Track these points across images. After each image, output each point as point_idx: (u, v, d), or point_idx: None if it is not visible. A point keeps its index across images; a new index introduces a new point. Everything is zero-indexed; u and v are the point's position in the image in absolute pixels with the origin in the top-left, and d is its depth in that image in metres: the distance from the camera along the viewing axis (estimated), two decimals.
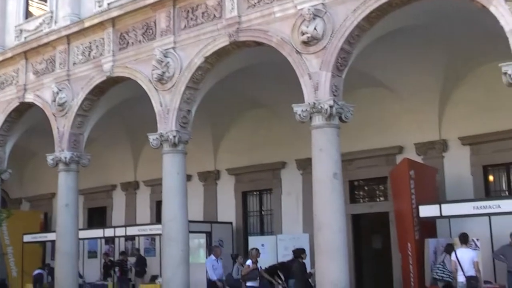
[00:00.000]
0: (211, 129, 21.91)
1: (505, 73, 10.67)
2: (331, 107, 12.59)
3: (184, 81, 15.25)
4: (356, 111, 13.31)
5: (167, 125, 15.39)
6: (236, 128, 21.87)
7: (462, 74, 16.96)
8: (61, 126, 18.15)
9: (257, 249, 16.16)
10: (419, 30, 14.52)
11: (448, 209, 15.18)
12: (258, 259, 16.17)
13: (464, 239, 13.78)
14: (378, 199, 19.59)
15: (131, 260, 22.10)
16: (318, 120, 12.77)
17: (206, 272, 17.06)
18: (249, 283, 15.49)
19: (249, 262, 15.53)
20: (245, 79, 17.07)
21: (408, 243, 15.56)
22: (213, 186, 22.72)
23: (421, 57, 16.10)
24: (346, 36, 12.72)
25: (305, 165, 18.95)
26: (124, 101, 18.21)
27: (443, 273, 14.02)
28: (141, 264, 21.74)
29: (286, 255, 16.72)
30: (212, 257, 17.19)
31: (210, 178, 22.72)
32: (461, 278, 13.31)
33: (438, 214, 15.22)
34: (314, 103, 12.72)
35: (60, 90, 18.13)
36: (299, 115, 12.94)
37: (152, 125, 15.82)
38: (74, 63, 18.25)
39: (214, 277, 16.81)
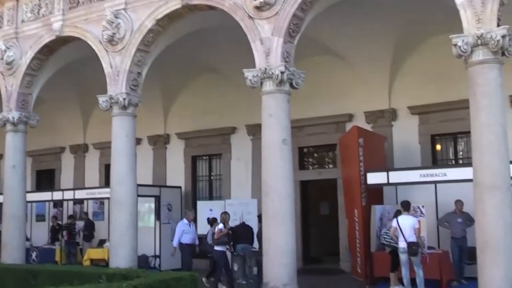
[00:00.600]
0: (162, 93, 21.74)
1: (455, 45, 10.79)
2: (282, 73, 12.58)
3: (135, 43, 14.99)
4: (307, 78, 13.33)
5: (117, 87, 15.15)
6: (187, 92, 21.75)
7: (413, 44, 17.15)
8: (9, 85, 17.67)
9: (227, 213, 15.94)
10: (372, 0, 14.59)
11: (395, 176, 15.46)
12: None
13: (406, 206, 14.01)
14: (327, 166, 19.79)
15: (79, 224, 21.89)
16: (268, 85, 12.75)
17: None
18: (217, 248, 15.26)
19: (221, 226, 15.33)
20: (198, 43, 16.92)
21: (355, 210, 15.82)
22: (162, 150, 22.63)
23: (373, 27, 16.18)
24: (299, 2, 12.63)
25: (255, 130, 18.99)
26: (74, 61, 17.78)
27: (391, 239, 14.26)
28: (89, 228, 21.59)
29: (234, 220, 16.75)
30: (184, 221, 16.73)
31: (159, 142, 22.61)
32: (402, 244, 13.57)
33: (385, 181, 15.49)
34: (265, 69, 12.68)
35: (8, 48, 17.61)
36: (250, 80, 12.90)
37: (102, 87, 15.57)
38: (23, 21, 17.69)
39: (175, 243, 16.44)
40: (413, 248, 13.40)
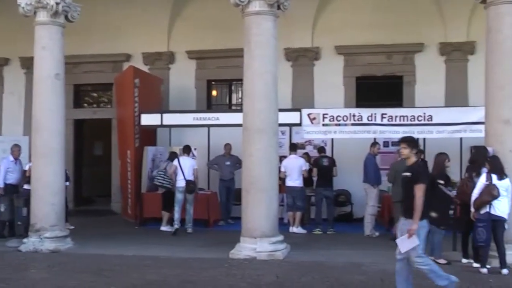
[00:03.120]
0: None
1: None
2: (57, 3, 11.92)
3: None
4: (85, 13, 12.82)
5: None
6: None
7: None
8: None
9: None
10: None
11: (169, 118, 15.60)
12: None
13: (187, 150, 14.51)
14: (103, 106, 19.41)
15: None
16: (42, 16, 12.02)
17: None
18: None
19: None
20: None
21: (128, 150, 15.73)
22: None
23: None
24: None
25: (29, 63, 17.76)
26: None
27: (164, 180, 14.49)
28: None
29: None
30: (10, 157, 14.46)
31: None
32: (181, 183, 13.99)
33: (159, 123, 15.58)
34: None
35: None
36: (23, 8, 12.07)
37: None
38: None
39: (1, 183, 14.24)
40: (191, 186, 14.02)
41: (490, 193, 9.64)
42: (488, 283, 9.07)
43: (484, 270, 9.65)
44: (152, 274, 9.68)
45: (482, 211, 9.71)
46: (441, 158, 10.76)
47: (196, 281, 9.20)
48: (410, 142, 7.82)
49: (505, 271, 9.63)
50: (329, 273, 9.61)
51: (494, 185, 9.66)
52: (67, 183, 13.66)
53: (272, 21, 11.09)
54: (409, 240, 7.39)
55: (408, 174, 7.62)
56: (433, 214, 7.20)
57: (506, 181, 9.79)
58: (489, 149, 10.33)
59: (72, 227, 13.83)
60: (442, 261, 10.42)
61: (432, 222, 7.31)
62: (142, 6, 17.20)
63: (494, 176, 9.76)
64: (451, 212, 7.21)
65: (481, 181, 9.80)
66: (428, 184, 7.47)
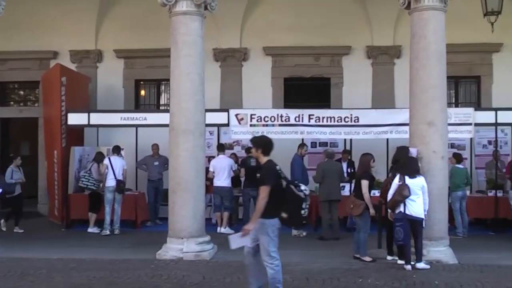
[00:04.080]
0: None
1: None
2: None
3: None
4: (12, 9, 12.55)
5: None
6: None
7: None
8: None
9: None
10: None
11: (97, 118, 15.35)
12: None
13: (117, 150, 14.50)
14: (29, 104, 18.95)
15: None
16: None
17: None
18: None
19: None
20: None
21: (55, 150, 15.45)
22: None
23: None
24: None
25: None
26: None
27: (88, 181, 14.30)
28: None
29: None
30: None
31: None
32: (112, 183, 13.95)
33: (86, 123, 15.33)
34: None
35: None
36: None
37: None
38: None
39: None
40: (121, 185, 14.05)
41: (401, 193, 9.95)
42: (411, 279, 9.34)
43: (408, 267, 9.94)
44: (77, 277, 9.55)
45: (397, 211, 10.02)
46: (366, 158, 11.04)
47: (121, 283, 9.16)
48: (255, 142, 7.91)
49: (418, 265, 9.97)
50: None
51: (406, 185, 9.96)
52: None
53: (199, 22, 11.13)
54: (241, 238, 7.51)
55: (258, 174, 7.73)
56: (284, 215, 7.36)
57: (418, 180, 10.08)
58: (413, 150, 10.63)
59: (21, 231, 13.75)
60: (368, 258, 10.69)
61: (283, 222, 7.46)
62: (70, 3, 16.88)
63: (407, 176, 10.07)
64: (303, 212, 7.35)
65: (395, 182, 10.12)
66: (278, 184, 7.47)
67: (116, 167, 14.08)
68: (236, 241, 7.60)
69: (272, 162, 7.68)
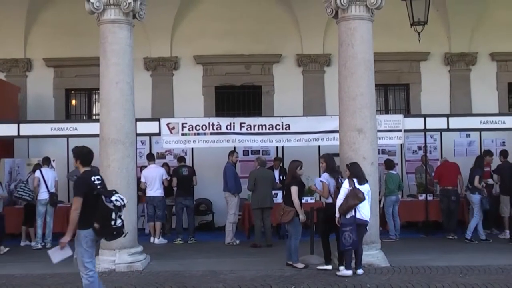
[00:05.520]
0: None
1: (88, 1, 10.93)
2: None
3: None
4: None
5: None
6: None
7: None
8: None
9: None
10: None
11: (27, 129, 14.92)
12: None
13: (47, 161, 14.18)
14: None
15: None
16: None
17: None
18: None
19: None
20: None
21: None
22: None
23: None
24: None
25: None
26: None
27: (24, 192, 13.96)
28: None
29: None
30: None
31: None
32: (45, 195, 13.65)
33: (16, 134, 14.92)
34: None
35: None
36: None
37: None
38: None
39: None
40: (54, 198, 13.79)
41: (357, 197, 10.00)
42: (343, 283, 9.48)
43: (349, 272, 10.00)
44: None
45: (348, 216, 10.07)
46: (293, 165, 11.17)
47: None
48: (74, 153, 7.98)
49: (360, 271, 10.11)
50: (186, 282, 9.68)
51: (358, 188, 10.08)
52: None
53: (128, 30, 11.04)
54: (61, 251, 7.57)
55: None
56: (96, 225, 7.45)
57: (366, 186, 10.24)
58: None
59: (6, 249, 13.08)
60: (300, 265, 10.77)
61: (97, 233, 7.54)
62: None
63: (355, 181, 10.19)
64: (112, 223, 7.43)
65: (345, 186, 10.16)
66: (91, 195, 7.46)
67: (48, 179, 13.76)
68: (56, 255, 7.63)
69: (88, 172, 7.69)
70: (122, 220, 7.50)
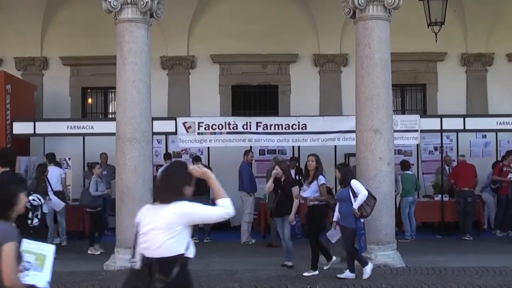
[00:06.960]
0: None
1: (106, 0, 10.95)
2: None
3: None
4: None
5: None
6: None
7: None
8: None
9: None
10: None
11: (43, 127, 15.08)
12: None
13: (52, 158, 14.07)
14: None
15: None
16: None
17: None
18: None
19: None
20: None
21: None
22: None
23: None
24: None
25: None
26: None
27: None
28: None
29: None
30: None
31: None
32: (49, 194, 13.56)
33: (32, 132, 15.04)
34: None
35: None
36: None
37: None
38: None
39: None
40: (59, 196, 13.56)
41: (374, 197, 10.01)
42: (359, 283, 9.48)
43: (353, 275, 9.93)
44: None
45: (363, 219, 9.99)
46: (289, 164, 11.20)
47: None
48: None
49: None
50: (202, 281, 9.63)
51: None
52: None
53: (145, 29, 11.07)
54: None
55: None
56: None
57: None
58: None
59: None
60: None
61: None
62: (14, 9, 16.53)
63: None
64: (29, 221, 7.34)
65: (364, 193, 9.81)
66: None
67: (52, 178, 13.39)
68: None
69: (5, 173, 7.53)
70: (39, 220, 7.42)
